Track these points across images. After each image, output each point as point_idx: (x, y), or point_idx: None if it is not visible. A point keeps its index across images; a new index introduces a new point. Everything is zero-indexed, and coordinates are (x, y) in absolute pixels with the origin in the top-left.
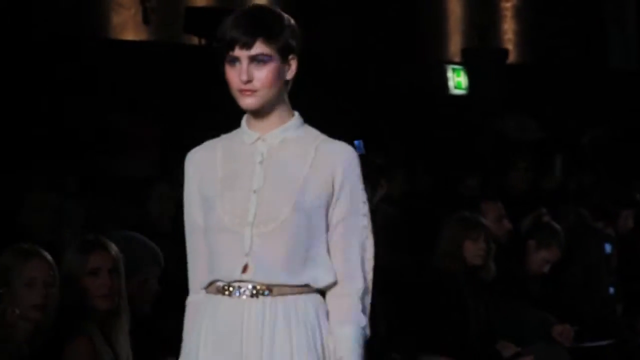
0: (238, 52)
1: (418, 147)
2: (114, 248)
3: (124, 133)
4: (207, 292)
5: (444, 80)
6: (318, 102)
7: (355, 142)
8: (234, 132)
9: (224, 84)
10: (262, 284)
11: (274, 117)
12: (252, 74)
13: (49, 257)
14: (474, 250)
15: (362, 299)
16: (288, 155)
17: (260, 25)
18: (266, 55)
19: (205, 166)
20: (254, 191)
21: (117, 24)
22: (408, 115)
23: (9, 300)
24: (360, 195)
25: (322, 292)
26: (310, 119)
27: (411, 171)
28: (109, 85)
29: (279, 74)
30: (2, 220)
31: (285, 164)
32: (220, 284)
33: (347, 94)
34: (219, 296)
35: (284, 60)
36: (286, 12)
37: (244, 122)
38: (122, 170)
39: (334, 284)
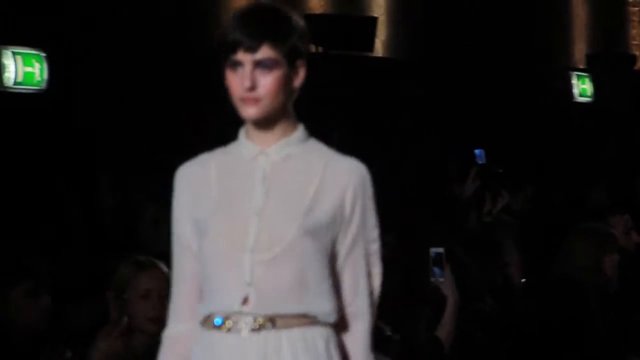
0: (241, 56)
1: (542, 156)
2: None
3: None
4: (202, 327)
5: (569, 87)
6: (442, 111)
7: (476, 151)
8: (231, 145)
9: (337, 89)
10: (264, 317)
11: (277, 130)
12: (256, 80)
13: (164, 268)
14: (610, 263)
15: (371, 333)
16: (293, 171)
17: (266, 27)
18: (273, 60)
19: (198, 184)
20: (255, 212)
21: None
22: (531, 123)
23: (127, 311)
24: (373, 220)
25: (339, 325)
26: (433, 127)
27: (535, 181)
28: None
29: (286, 81)
30: (124, 232)
31: (291, 181)
32: (214, 316)
33: (470, 102)
34: (216, 332)
35: (292, 65)
36: (413, 19)
37: (242, 134)
38: None
39: (342, 317)
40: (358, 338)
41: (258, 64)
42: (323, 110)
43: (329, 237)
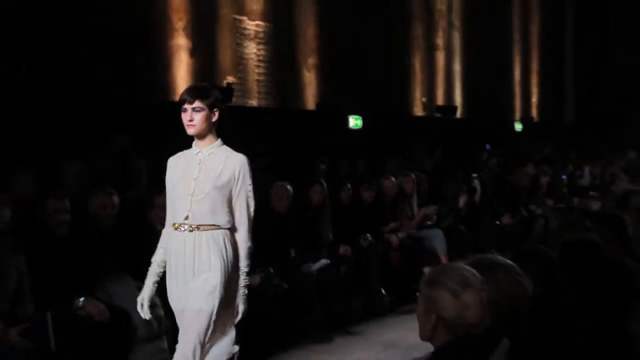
0: (187, 105)
1: None
2: None
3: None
4: (171, 228)
5: None
6: None
7: None
8: (190, 149)
9: None
10: (194, 225)
11: (206, 140)
12: (192, 116)
13: None
14: None
15: (247, 236)
16: (212, 160)
17: (197, 92)
18: (200, 107)
19: (175, 167)
20: (194, 178)
21: None
22: None
23: None
24: (248, 183)
25: (231, 229)
26: None
27: None
28: None
29: (207, 117)
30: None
31: (211, 164)
32: (175, 223)
33: None
34: (175, 231)
35: (211, 110)
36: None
37: (193, 143)
38: None
39: (234, 226)
40: (241, 237)
41: (194, 109)
42: None
43: (228, 190)
